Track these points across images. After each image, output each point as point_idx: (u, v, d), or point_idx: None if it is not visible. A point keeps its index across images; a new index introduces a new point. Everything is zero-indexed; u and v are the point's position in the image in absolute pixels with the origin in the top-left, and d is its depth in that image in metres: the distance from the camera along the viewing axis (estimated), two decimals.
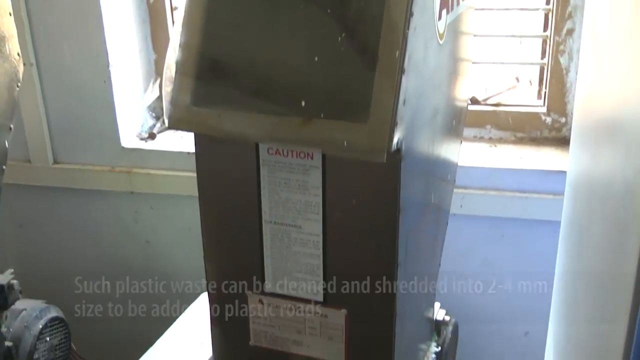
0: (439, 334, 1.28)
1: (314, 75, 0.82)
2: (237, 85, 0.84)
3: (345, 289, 0.95)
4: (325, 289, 0.96)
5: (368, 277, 0.93)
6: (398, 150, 0.82)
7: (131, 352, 1.46)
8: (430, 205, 1.08)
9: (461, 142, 1.34)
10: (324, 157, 0.88)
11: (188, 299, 1.54)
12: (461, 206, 1.70)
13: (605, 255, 0.80)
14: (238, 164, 0.93)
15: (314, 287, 0.96)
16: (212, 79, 0.85)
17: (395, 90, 0.78)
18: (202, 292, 1.54)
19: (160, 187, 1.90)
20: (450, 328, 1.30)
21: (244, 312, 1.02)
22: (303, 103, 0.81)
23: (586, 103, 1.09)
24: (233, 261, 1.00)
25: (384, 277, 0.92)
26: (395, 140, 0.79)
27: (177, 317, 1.43)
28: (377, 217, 0.89)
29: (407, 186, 0.88)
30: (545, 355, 1.34)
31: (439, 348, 1.25)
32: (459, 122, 1.25)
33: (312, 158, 0.89)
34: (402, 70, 0.79)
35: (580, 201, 1.06)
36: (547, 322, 1.79)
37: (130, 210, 1.96)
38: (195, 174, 1.83)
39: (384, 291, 0.93)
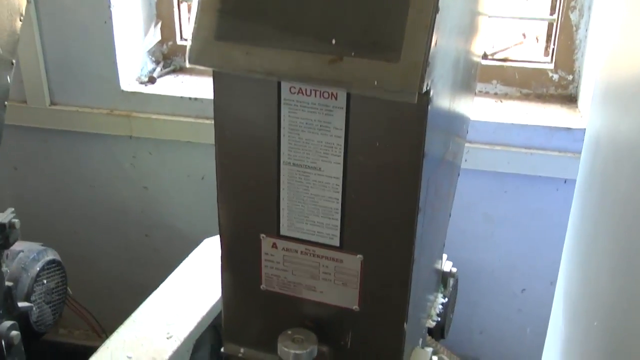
0: (445, 286, 1.27)
1: (345, 12, 0.79)
2: (264, 21, 0.81)
3: (362, 234, 0.94)
4: (341, 234, 0.95)
5: (387, 222, 0.91)
6: (427, 92, 0.80)
7: (127, 299, 1.45)
8: (448, 153, 1.07)
9: (473, 98, 1.32)
10: (348, 97, 0.86)
11: (186, 246, 1.53)
12: (465, 160, 1.68)
13: (634, 207, 0.80)
14: (258, 103, 0.91)
15: (331, 232, 0.95)
16: (237, 13, 0.82)
17: (429, 29, 0.76)
18: (200, 238, 1.53)
19: (160, 132, 1.87)
20: (454, 280, 1.30)
21: (256, 256, 1.01)
22: (333, 41, 0.78)
23: (612, 61, 1.07)
24: (248, 203, 0.98)
25: (404, 223, 0.90)
26: (426, 81, 0.77)
27: (175, 264, 1.41)
28: (400, 160, 0.87)
29: (432, 131, 0.86)
30: (553, 310, 1.34)
31: (446, 299, 1.24)
32: (474, 76, 1.23)
33: (336, 98, 0.87)
34: (436, 9, 0.76)
35: (601, 158, 1.05)
36: (545, 279, 1.80)
37: (128, 155, 1.94)
38: (195, 120, 1.82)
39: (403, 237, 0.92)
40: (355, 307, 0.98)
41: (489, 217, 1.79)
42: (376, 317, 0.99)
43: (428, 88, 0.79)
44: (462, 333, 1.87)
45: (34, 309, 1.67)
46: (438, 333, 1.47)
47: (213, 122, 0.94)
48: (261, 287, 1.03)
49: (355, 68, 0.78)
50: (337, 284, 0.98)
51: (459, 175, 1.29)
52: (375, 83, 0.77)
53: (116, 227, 2.04)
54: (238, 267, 1.04)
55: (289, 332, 1.00)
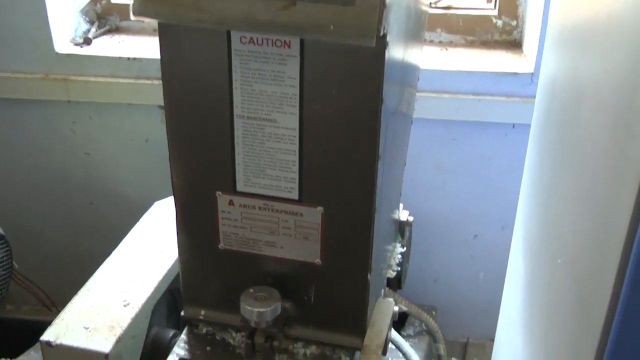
0: (402, 235, 1.27)
1: None
2: None
3: (322, 185, 0.92)
4: (300, 187, 0.92)
5: (347, 172, 0.89)
6: (384, 36, 0.78)
7: (77, 270, 1.41)
8: (403, 102, 1.05)
9: (422, 47, 1.30)
10: (302, 46, 0.83)
11: (134, 212, 1.48)
12: (414, 109, 1.67)
13: (596, 147, 0.79)
14: (207, 56, 0.87)
15: (289, 185, 0.93)
16: None
17: None
18: (148, 203, 1.48)
19: (99, 96, 1.80)
20: (410, 229, 1.30)
21: (213, 214, 0.98)
22: None
23: (565, 4, 1.06)
24: (201, 161, 0.95)
25: (364, 171, 0.89)
26: (383, 24, 0.75)
27: (124, 231, 1.37)
28: (358, 108, 0.85)
29: (388, 76, 0.84)
30: (511, 253, 1.35)
31: (404, 249, 1.24)
32: (423, 24, 1.21)
33: (289, 47, 0.83)
34: None
35: (558, 101, 1.05)
36: (497, 224, 1.82)
37: (67, 121, 1.86)
38: (136, 81, 1.75)
39: (364, 186, 0.90)
40: (318, 261, 0.97)
41: (439, 166, 1.79)
42: (339, 270, 0.97)
43: (385, 32, 0.77)
44: (416, 282, 1.88)
45: None
46: (395, 284, 1.47)
47: (154, 82, 0.90)
48: (219, 246, 1.00)
49: (309, 13, 0.75)
50: (297, 239, 0.96)
51: (411, 123, 1.28)
52: (331, 27, 0.74)
53: (59, 197, 1.97)
54: (194, 227, 1.01)
55: (251, 290, 0.98)
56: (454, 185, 1.81)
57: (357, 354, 1.02)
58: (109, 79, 1.76)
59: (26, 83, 1.79)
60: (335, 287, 0.99)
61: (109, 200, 1.94)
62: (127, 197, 1.91)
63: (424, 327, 1.63)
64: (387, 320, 1.05)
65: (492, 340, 1.71)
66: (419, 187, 1.80)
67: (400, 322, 1.69)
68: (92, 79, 1.77)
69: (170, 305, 1.30)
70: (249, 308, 0.96)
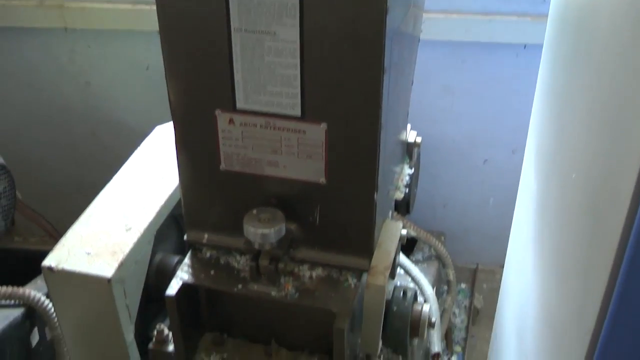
0: (410, 156, 1.23)
1: None
2: None
3: (325, 101, 0.88)
4: (302, 103, 0.88)
5: (351, 86, 0.85)
6: None
7: (80, 201, 1.38)
8: (408, 15, 1.00)
9: None
10: None
11: (135, 141, 1.45)
12: (421, 31, 1.62)
13: (613, 61, 0.75)
14: None
15: (291, 101, 0.89)
16: None
17: None
18: (150, 132, 1.45)
19: (97, 22, 1.75)
20: (419, 151, 1.26)
21: (212, 134, 0.94)
22: None
23: None
24: (199, 79, 0.91)
25: (369, 85, 0.85)
26: None
27: (125, 161, 1.33)
28: (361, 17, 0.80)
29: None
30: (523, 173, 1.32)
31: (412, 170, 1.21)
32: None
33: None
34: None
35: (571, 20, 1.00)
36: (507, 148, 1.78)
37: (65, 50, 1.82)
38: (134, 7, 1.70)
39: (369, 100, 0.86)
40: (322, 180, 0.94)
41: (448, 89, 1.74)
42: (344, 189, 0.94)
43: None
44: (425, 208, 1.86)
45: None
46: (403, 208, 1.45)
47: (153, 7, 0.86)
48: (220, 167, 0.97)
49: None
50: (301, 157, 0.93)
51: (418, 42, 1.23)
52: None
53: (60, 127, 1.94)
54: (194, 149, 0.98)
55: (254, 211, 0.95)
56: (463, 109, 1.77)
57: (364, 275, 1.00)
58: (106, 5, 1.71)
59: (21, 11, 1.74)
60: (341, 207, 0.96)
61: (111, 129, 1.91)
62: (129, 126, 1.88)
63: (433, 252, 1.62)
64: (395, 241, 1.02)
65: (502, 266, 1.70)
66: (427, 110, 1.76)
67: (408, 247, 1.68)
68: (89, 4, 1.71)
69: (174, 231, 1.28)
70: (253, 230, 0.93)
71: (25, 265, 1.84)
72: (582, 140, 0.85)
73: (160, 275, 1.17)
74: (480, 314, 1.95)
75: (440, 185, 1.87)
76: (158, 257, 1.20)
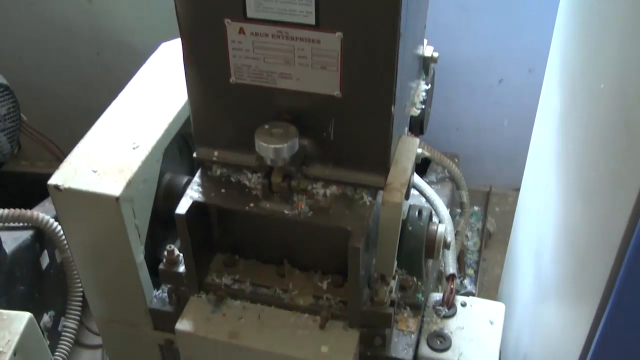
0: (426, 72, 1.18)
1: None
2: None
3: (341, 8, 0.83)
4: (317, 10, 0.83)
5: None
6: None
7: (86, 124, 1.34)
8: None
9: None
10: None
11: (142, 59, 1.40)
12: None
13: None
14: None
15: (304, 8, 0.84)
16: None
17: None
18: (156, 49, 1.39)
19: None
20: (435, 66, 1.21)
21: (222, 45, 0.90)
22: None
23: None
24: None
25: None
26: None
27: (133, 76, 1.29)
28: None
29: None
30: (544, 89, 1.27)
31: (429, 86, 1.16)
32: None
33: None
34: None
35: None
36: (523, 67, 1.72)
37: None
38: None
39: (387, 7, 0.81)
40: (337, 92, 0.89)
41: (463, 5, 1.67)
42: (360, 102, 0.90)
43: None
44: (438, 131, 1.82)
45: None
46: (417, 128, 1.41)
47: None
48: (231, 80, 0.93)
49: None
50: (315, 69, 0.88)
51: None
52: None
53: (64, 48, 1.89)
54: (203, 62, 0.93)
55: (267, 126, 0.92)
56: (478, 26, 1.70)
57: (380, 193, 0.96)
58: None
59: None
60: (356, 121, 0.92)
61: (115, 50, 1.86)
62: (133, 47, 1.83)
63: (447, 174, 1.58)
64: (412, 158, 0.99)
65: (515, 189, 1.67)
66: (441, 29, 1.68)
67: (421, 169, 1.64)
68: None
69: (183, 152, 1.24)
70: (265, 145, 0.90)
71: (34, 188, 1.82)
72: (613, 48, 0.80)
73: (169, 195, 1.14)
74: (492, 238, 1.93)
75: (454, 107, 1.82)
76: (167, 177, 1.17)
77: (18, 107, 1.66)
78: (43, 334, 1.41)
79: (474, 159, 1.88)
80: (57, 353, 1.57)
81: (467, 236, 1.80)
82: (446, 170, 1.58)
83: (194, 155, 1.02)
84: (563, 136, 1.04)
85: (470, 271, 1.71)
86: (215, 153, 1.01)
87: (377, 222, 0.98)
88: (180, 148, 1.23)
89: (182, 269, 1.06)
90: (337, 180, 0.97)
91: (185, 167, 1.25)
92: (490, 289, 1.79)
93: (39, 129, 1.80)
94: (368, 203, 0.96)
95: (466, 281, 1.67)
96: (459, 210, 1.66)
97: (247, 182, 1.00)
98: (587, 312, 0.82)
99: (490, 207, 1.92)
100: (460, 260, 1.71)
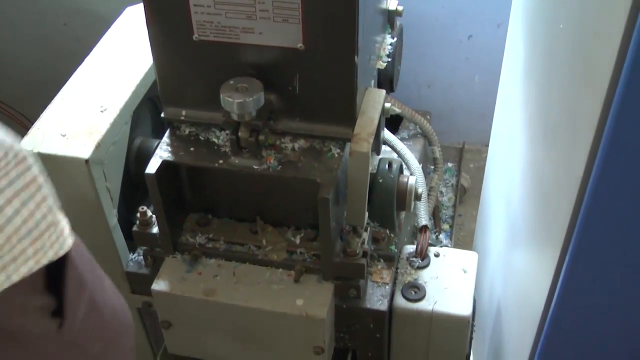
0: (392, 26, 1.19)
1: None
2: None
3: None
4: None
5: None
6: None
7: (56, 93, 1.34)
8: None
9: None
10: None
11: (110, 24, 1.39)
12: None
13: None
14: None
15: None
16: None
17: None
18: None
19: None
20: (400, 20, 1.22)
21: (183, 2, 0.90)
22: None
23: None
24: None
25: None
26: None
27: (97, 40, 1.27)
28: None
29: None
30: (508, 41, 1.28)
31: (394, 39, 1.16)
32: None
33: None
34: None
35: None
36: (492, 22, 1.73)
37: None
38: None
39: None
40: (300, 45, 0.90)
41: None
42: (324, 54, 0.90)
43: None
44: (410, 88, 1.83)
45: None
46: (387, 85, 1.41)
47: None
48: (194, 37, 0.93)
49: None
50: (277, 22, 0.88)
51: None
52: None
53: (30, 19, 1.87)
54: (165, 19, 0.93)
55: (231, 81, 0.92)
56: None
57: (348, 145, 0.97)
58: None
59: None
60: (320, 73, 0.92)
61: (82, 19, 1.84)
62: (100, 14, 1.81)
63: (419, 130, 1.59)
64: (378, 108, 0.99)
65: (488, 145, 1.68)
66: None
67: (393, 126, 1.65)
68: None
69: (152, 115, 1.24)
70: (230, 99, 0.90)
71: None
72: None
73: (140, 159, 1.14)
74: (467, 193, 1.95)
75: (425, 65, 1.83)
76: (137, 141, 1.18)
77: None
78: None
79: (446, 115, 1.89)
80: None
81: (441, 192, 1.82)
82: (418, 127, 1.59)
83: (162, 115, 1.02)
84: (526, 81, 1.05)
85: (446, 226, 1.73)
86: (183, 112, 1.01)
87: (346, 174, 0.99)
88: (150, 112, 1.22)
89: (155, 230, 1.06)
90: (305, 133, 0.98)
91: (156, 132, 1.24)
92: (466, 244, 1.81)
93: (8, 102, 1.78)
94: (336, 155, 0.97)
95: (442, 236, 1.69)
96: (432, 167, 1.67)
97: (215, 140, 1.01)
98: (552, 252, 0.84)
99: (464, 163, 1.94)
100: (435, 215, 1.73)
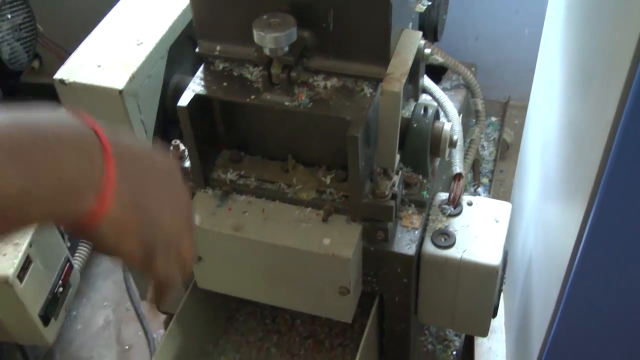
0: None
1: None
2: None
3: None
4: None
5: None
6: None
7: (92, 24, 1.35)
8: None
9: None
10: None
11: None
12: None
13: None
14: None
15: None
16: None
17: None
18: None
19: None
20: None
21: None
22: None
23: None
24: None
25: None
26: None
27: None
28: None
29: None
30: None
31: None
32: None
33: None
34: None
35: None
36: None
37: None
38: None
39: None
40: None
41: None
42: None
43: None
44: (457, 40, 1.79)
45: (4, 45, 1.59)
46: (431, 33, 1.39)
47: None
48: None
49: None
50: None
51: None
52: None
53: None
54: None
55: (264, 16, 0.91)
56: None
57: (381, 84, 0.96)
58: None
59: None
60: (355, 10, 0.91)
61: None
62: None
63: (462, 81, 1.56)
64: (413, 49, 0.98)
65: None
66: None
67: (436, 77, 1.62)
68: None
69: (191, 53, 1.24)
70: (262, 34, 0.89)
71: (54, 99, 1.85)
72: None
73: (177, 96, 1.15)
74: (510, 149, 1.91)
75: (473, 16, 1.79)
76: (176, 78, 1.18)
77: (34, 17, 1.67)
78: (63, 236, 1.46)
79: (492, 69, 1.85)
80: (76, 254, 1.62)
81: (482, 146, 1.79)
82: (461, 78, 1.56)
83: (197, 50, 1.02)
84: (566, 28, 1.02)
85: (485, 180, 1.70)
86: (218, 47, 1.01)
87: (378, 115, 0.98)
88: (188, 49, 1.23)
89: (187, 164, 1.07)
90: (338, 72, 0.97)
91: (193, 68, 1.25)
92: (505, 200, 1.78)
93: (55, 40, 1.81)
94: (368, 95, 0.96)
95: (480, 189, 1.66)
96: (474, 121, 1.65)
97: (248, 76, 1.00)
98: (580, 202, 0.82)
99: (508, 118, 1.90)
100: (475, 169, 1.70)
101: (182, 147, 1.08)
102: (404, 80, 0.93)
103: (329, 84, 0.97)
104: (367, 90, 0.96)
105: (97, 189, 0.50)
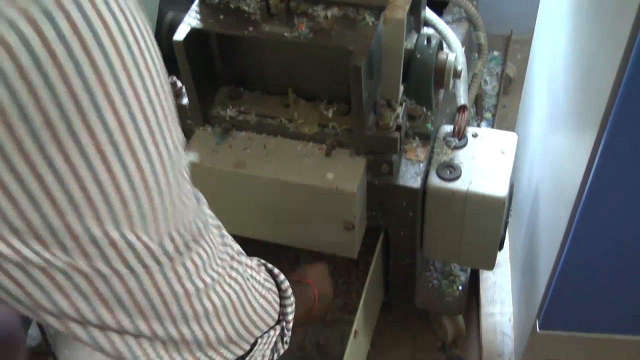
0: None
1: None
2: None
3: None
4: None
5: None
6: None
7: None
8: None
9: None
10: None
11: None
12: None
13: None
14: None
15: None
16: None
17: None
18: None
19: None
20: None
21: None
22: None
23: None
24: None
25: None
26: None
27: None
28: None
29: None
30: None
31: None
32: None
33: None
34: None
35: None
36: None
37: None
38: None
39: None
40: None
41: None
42: None
43: None
44: None
45: None
46: None
47: None
48: None
49: None
50: None
51: None
52: None
53: None
54: None
55: None
56: None
57: (383, 13, 0.93)
58: None
59: None
60: None
61: None
62: None
63: (464, 14, 1.52)
64: None
65: None
66: None
67: (437, 10, 1.58)
68: None
69: None
70: None
71: None
72: None
73: (172, 33, 1.12)
74: (512, 84, 1.88)
75: None
76: (170, 15, 1.15)
77: None
78: None
79: (495, 2, 1.81)
80: None
81: (485, 80, 1.75)
82: (463, 11, 1.52)
83: None
84: None
85: (488, 115, 1.67)
86: None
87: (381, 45, 0.95)
88: None
89: (185, 101, 1.05)
90: (338, 1, 0.94)
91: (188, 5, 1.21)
92: None
93: None
94: (371, 24, 0.93)
95: (483, 124, 1.64)
96: (476, 55, 1.61)
97: (246, 8, 0.97)
98: (590, 131, 0.80)
99: (511, 52, 1.86)
100: (478, 103, 1.68)
101: (179, 84, 1.05)
102: (407, 7, 0.90)
103: (329, 13, 0.94)
104: (370, 19, 0.93)
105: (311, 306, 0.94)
